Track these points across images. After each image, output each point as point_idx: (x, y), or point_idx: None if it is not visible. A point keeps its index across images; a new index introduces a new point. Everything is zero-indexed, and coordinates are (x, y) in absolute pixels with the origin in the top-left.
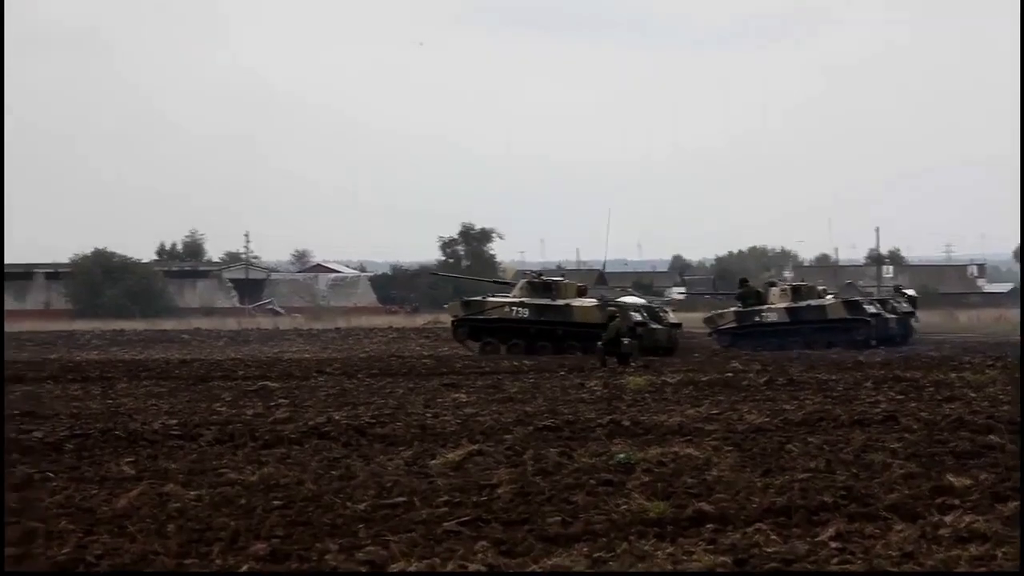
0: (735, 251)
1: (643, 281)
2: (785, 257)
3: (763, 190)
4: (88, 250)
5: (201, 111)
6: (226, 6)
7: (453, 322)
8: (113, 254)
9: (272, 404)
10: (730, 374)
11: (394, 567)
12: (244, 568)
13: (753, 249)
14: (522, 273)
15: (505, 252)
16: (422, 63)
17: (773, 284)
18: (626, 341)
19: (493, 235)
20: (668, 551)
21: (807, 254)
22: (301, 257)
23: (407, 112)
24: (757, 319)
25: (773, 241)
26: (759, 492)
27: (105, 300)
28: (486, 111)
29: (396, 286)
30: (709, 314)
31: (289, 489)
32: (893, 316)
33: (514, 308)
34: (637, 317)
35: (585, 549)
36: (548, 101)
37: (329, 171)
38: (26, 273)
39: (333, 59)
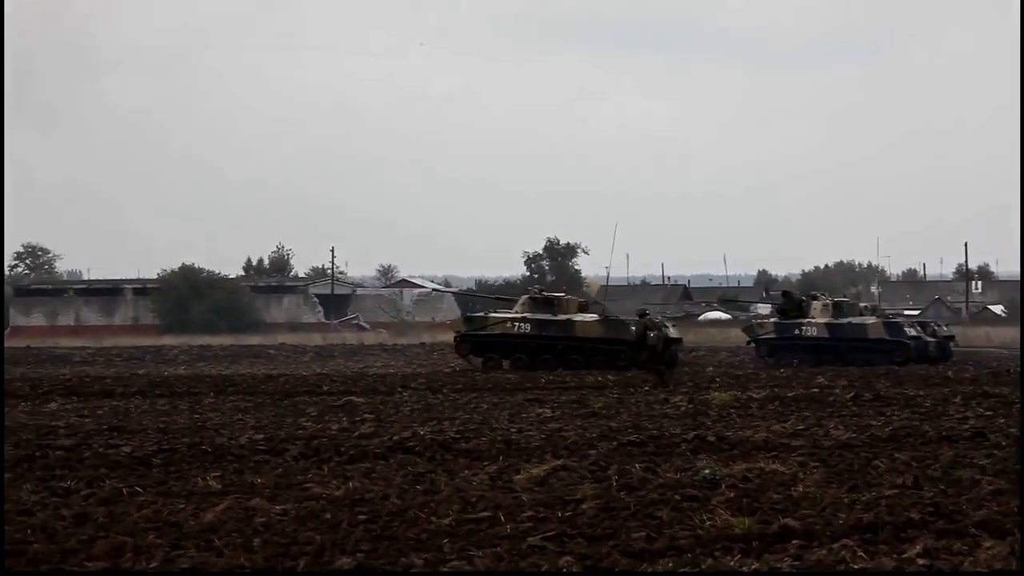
0: (821, 266)
1: (728, 296)
2: (872, 272)
3: (850, 205)
4: (176, 266)
5: (285, 127)
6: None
7: (455, 337)
8: (200, 270)
9: (357, 419)
10: (816, 390)
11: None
12: None
13: (839, 264)
14: (610, 289)
15: (590, 267)
16: (502, 81)
17: (815, 297)
18: (652, 334)
19: (578, 250)
20: (753, 567)
21: (894, 269)
22: (386, 272)
23: (488, 127)
24: (796, 332)
25: (860, 256)
26: (845, 508)
27: (192, 316)
28: (568, 126)
29: (481, 301)
30: (749, 324)
31: (374, 504)
32: (933, 340)
33: (516, 323)
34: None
35: (670, 564)
36: (630, 117)
37: (415, 186)
38: (115, 289)
39: (413, 73)
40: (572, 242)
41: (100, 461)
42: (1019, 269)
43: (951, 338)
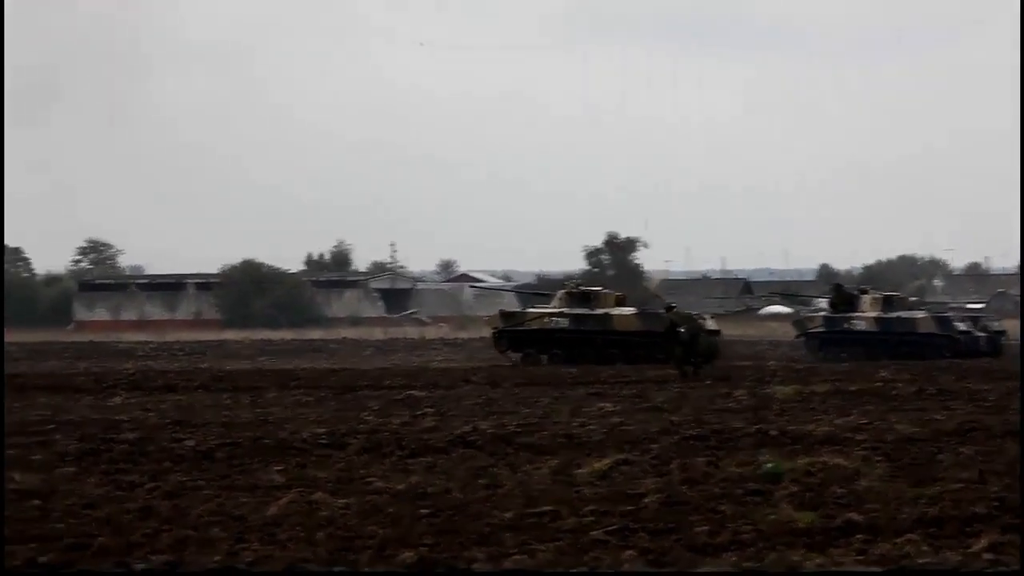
0: (884, 259)
1: (789, 290)
2: (935, 266)
3: (913, 198)
4: (237, 261)
5: (345, 121)
6: (364, 10)
7: (493, 333)
8: (262, 264)
9: (419, 413)
10: (879, 384)
11: None
12: None
13: (902, 258)
14: (670, 283)
15: (651, 261)
16: (558, 75)
17: (865, 291)
18: (682, 329)
19: (638, 244)
20: (817, 561)
21: (957, 262)
22: (447, 267)
23: (546, 120)
24: (846, 325)
25: (923, 250)
26: (910, 502)
27: (254, 310)
28: (629, 121)
29: (542, 296)
30: (799, 318)
31: (436, 498)
32: (983, 334)
33: (553, 319)
34: (710, 325)
35: (733, 559)
36: (688, 112)
37: (476, 182)
38: (177, 283)
39: (469, 70)
40: (632, 236)
41: (164, 455)
42: (1020, 271)
43: (1002, 333)
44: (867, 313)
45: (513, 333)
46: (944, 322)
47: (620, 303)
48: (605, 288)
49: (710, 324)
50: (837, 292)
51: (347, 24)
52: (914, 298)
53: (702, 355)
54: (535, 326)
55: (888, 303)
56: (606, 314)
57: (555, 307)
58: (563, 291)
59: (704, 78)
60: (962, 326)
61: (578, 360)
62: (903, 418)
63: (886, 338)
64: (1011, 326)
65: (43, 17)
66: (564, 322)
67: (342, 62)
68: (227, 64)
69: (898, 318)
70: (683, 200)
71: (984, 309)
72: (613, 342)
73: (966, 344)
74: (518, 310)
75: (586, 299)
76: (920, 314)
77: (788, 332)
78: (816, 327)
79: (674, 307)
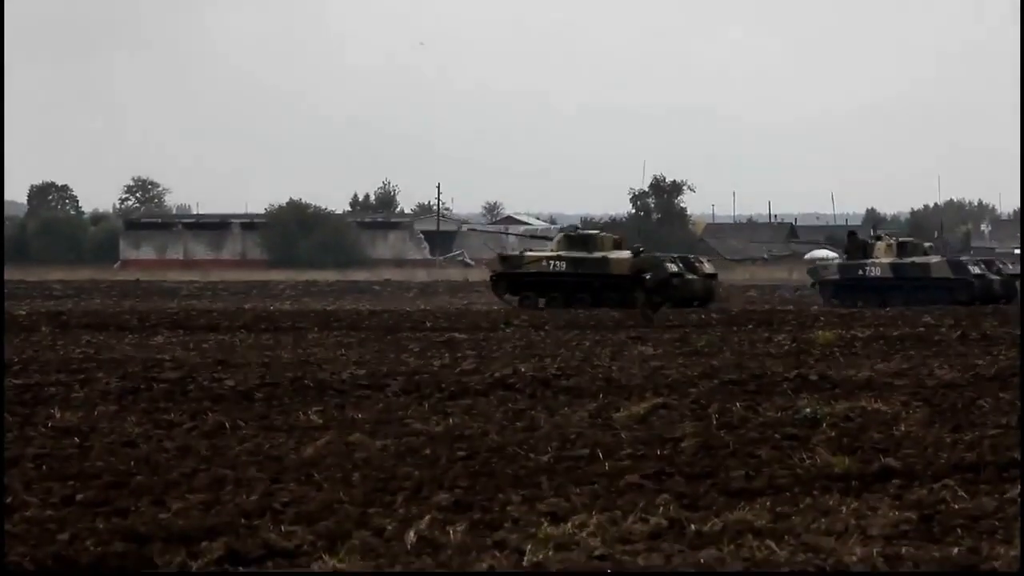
0: (931, 204)
1: (836, 236)
2: (983, 211)
3: (960, 138)
4: (283, 201)
5: (391, 62)
6: None
7: (491, 277)
8: (308, 205)
9: (459, 355)
10: (922, 328)
11: (575, 519)
12: (426, 519)
13: (950, 203)
14: (714, 227)
15: (696, 205)
16: (609, 10)
17: (879, 238)
18: (648, 276)
19: (684, 187)
20: (852, 506)
21: (1005, 207)
22: (492, 209)
23: (593, 64)
24: (860, 273)
25: (971, 194)
26: (947, 448)
27: (299, 251)
28: (674, 65)
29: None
30: (813, 265)
31: (473, 440)
32: (997, 278)
33: (551, 262)
34: (673, 268)
35: (768, 503)
36: (731, 53)
37: (524, 122)
38: (223, 223)
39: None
40: (679, 179)
41: (204, 394)
42: (1020, 256)
43: (1017, 276)
44: (881, 260)
45: (511, 277)
46: (958, 266)
47: (618, 246)
48: (603, 231)
49: (707, 268)
50: (851, 239)
51: None
52: (928, 243)
53: (659, 301)
54: (533, 269)
55: (902, 248)
56: (604, 257)
57: (553, 251)
58: (561, 234)
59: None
60: (976, 270)
61: (575, 304)
62: (944, 363)
63: (900, 284)
64: None
65: None
66: (562, 265)
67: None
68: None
69: (912, 263)
70: (730, 142)
71: None
72: (610, 285)
73: (980, 288)
74: (515, 254)
75: (584, 242)
76: (934, 259)
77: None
78: (830, 275)
79: (641, 251)
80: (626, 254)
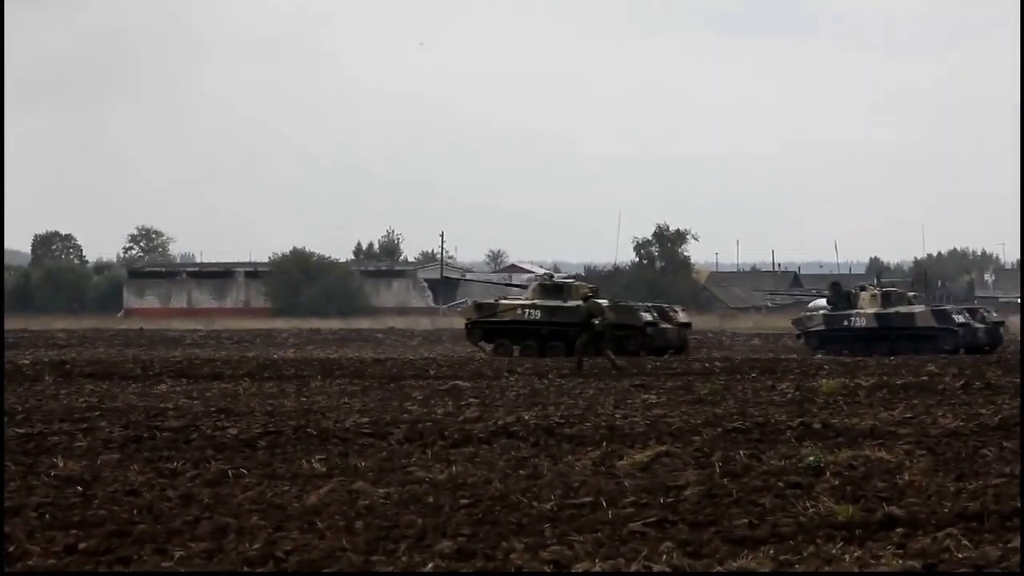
0: (934, 253)
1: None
2: (986, 260)
3: (966, 191)
4: (287, 250)
5: (396, 110)
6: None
7: (466, 324)
8: (311, 254)
9: (462, 403)
10: (925, 377)
11: (578, 567)
12: (429, 566)
13: (953, 252)
14: (718, 276)
15: (700, 253)
16: (616, 65)
17: (864, 288)
18: (597, 322)
19: (688, 236)
20: (856, 555)
21: (1009, 256)
22: (496, 257)
23: (598, 111)
24: (846, 323)
25: (975, 243)
26: (951, 497)
27: (303, 299)
28: (684, 112)
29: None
30: (798, 315)
31: (476, 488)
32: (982, 326)
33: (526, 310)
34: (647, 317)
35: (771, 552)
36: (740, 98)
37: (526, 172)
38: (226, 272)
39: (521, 53)
40: (682, 228)
41: (207, 443)
42: (1020, 269)
43: (1001, 324)
44: (866, 310)
45: (486, 324)
46: (942, 315)
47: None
48: (578, 280)
49: (681, 317)
50: (834, 290)
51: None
52: (913, 293)
53: (608, 347)
54: (507, 317)
55: (887, 298)
56: (578, 306)
57: (528, 299)
58: (536, 283)
59: (746, 64)
60: (960, 318)
61: (550, 352)
62: (948, 412)
63: (886, 333)
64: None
65: (95, 4)
66: (536, 314)
67: (390, 50)
68: (272, 52)
69: (896, 313)
70: (734, 192)
71: None
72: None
73: (965, 337)
74: (490, 302)
75: (559, 291)
76: (919, 308)
77: None
78: (816, 325)
79: (591, 296)
80: (602, 302)
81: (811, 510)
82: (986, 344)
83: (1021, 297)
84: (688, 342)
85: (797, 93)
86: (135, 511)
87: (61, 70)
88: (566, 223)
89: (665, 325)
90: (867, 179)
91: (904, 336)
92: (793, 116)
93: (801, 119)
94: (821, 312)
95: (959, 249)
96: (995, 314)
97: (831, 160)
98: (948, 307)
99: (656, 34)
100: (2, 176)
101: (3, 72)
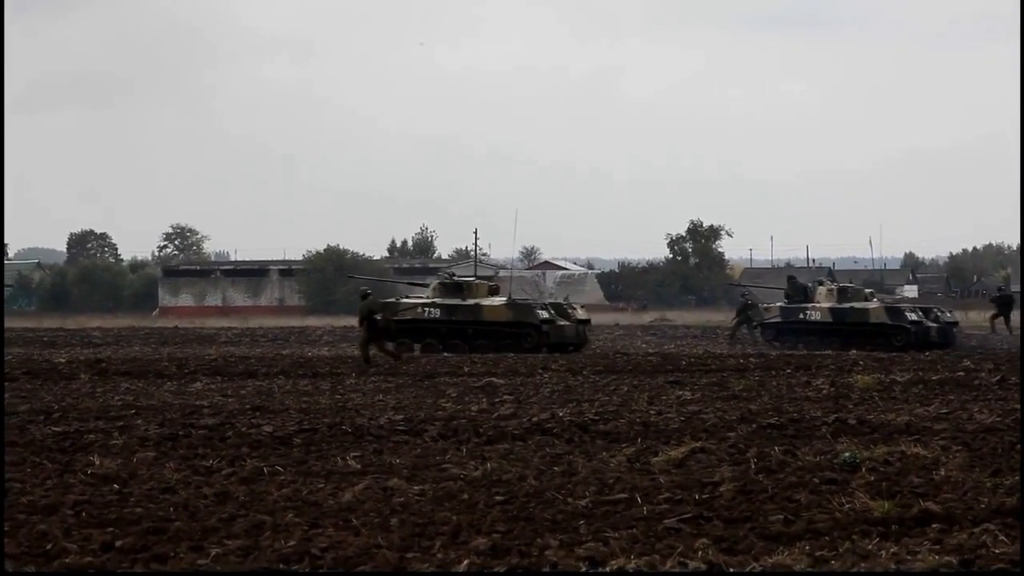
0: (969, 249)
1: (873, 279)
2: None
3: (1000, 186)
4: (321, 247)
5: (431, 112)
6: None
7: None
8: (345, 251)
9: (497, 400)
10: (961, 373)
11: (613, 564)
12: (464, 564)
13: (988, 247)
14: (752, 272)
15: (734, 249)
16: (641, 63)
17: (821, 283)
18: (379, 317)
19: (722, 232)
20: (892, 551)
21: None
22: (530, 254)
23: (629, 110)
24: (801, 316)
25: (1010, 238)
26: (988, 492)
27: (337, 297)
28: (709, 107)
29: (623, 283)
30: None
31: (511, 485)
32: (935, 325)
33: (426, 309)
34: (544, 315)
35: (807, 548)
36: (774, 100)
37: (561, 170)
38: (260, 270)
39: (551, 59)
40: (716, 224)
41: (242, 440)
42: (1020, 266)
43: (954, 324)
44: (821, 304)
45: None
46: (895, 312)
47: (493, 293)
48: (479, 278)
49: (580, 314)
50: (791, 283)
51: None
52: (869, 289)
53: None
54: (408, 316)
55: (843, 294)
56: (476, 304)
57: (428, 297)
58: (436, 281)
59: (785, 65)
60: (913, 316)
61: (450, 349)
62: (984, 407)
63: (839, 328)
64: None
65: (130, 5)
66: (436, 312)
67: (426, 54)
68: (311, 52)
69: (851, 308)
70: (768, 188)
71: None
72: (482, 332)
73: (917, 335)
74: (392, 300)
75: (458, 289)
76: (872, 304)
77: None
78: (772, 318)
79: (370, 294)
80: (500, 301)
81: (847, 506)
82: (938, 343)
83: (1021, 292)
84: (587, 338)
85: (828, 92)
86: (171, 509)
87: (97, 71)
88: (600, 222)
89: (563, 322)
90: (903, 177)
91: (857, 331)
92: (828, 120)
93: (833, 115)
94: (777, 304)
95: (995, 244)
96: (949, 315)
97: (865, 159)
98: (903, 305)
99: (673, 38)
100: (2, 176)
101: (3, 72)
